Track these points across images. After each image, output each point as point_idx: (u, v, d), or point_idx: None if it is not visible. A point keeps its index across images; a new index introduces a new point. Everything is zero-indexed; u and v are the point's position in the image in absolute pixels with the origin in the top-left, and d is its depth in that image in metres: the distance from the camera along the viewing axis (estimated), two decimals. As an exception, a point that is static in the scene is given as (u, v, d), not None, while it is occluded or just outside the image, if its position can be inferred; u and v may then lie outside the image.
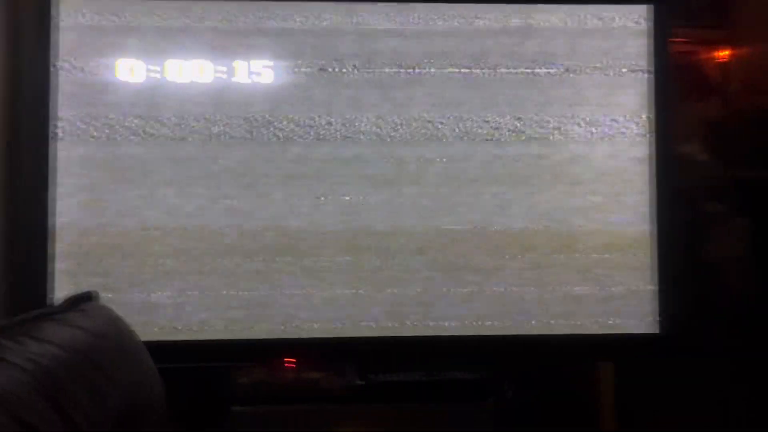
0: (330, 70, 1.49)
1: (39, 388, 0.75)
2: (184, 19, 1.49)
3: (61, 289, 1.41)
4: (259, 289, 1.45)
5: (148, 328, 1.42)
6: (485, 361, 1.52)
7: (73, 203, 1.45)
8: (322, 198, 1.48)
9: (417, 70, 1.51)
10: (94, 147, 1.46)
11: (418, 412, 1.35)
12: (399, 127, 1.50)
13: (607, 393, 1.59)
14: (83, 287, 1.36)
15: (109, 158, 1.46)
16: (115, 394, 0.90)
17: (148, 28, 1.48)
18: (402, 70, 1.51)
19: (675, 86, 1.60)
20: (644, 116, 1.53)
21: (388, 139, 1.50)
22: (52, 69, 1.45)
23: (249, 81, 1.48)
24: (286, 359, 1.43)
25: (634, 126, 1.54)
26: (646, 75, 1.54)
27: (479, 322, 1.48)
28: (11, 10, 1.53)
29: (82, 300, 1.07)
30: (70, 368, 0.83)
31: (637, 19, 1.54)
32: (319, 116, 1.49)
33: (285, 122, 1.48)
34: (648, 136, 1.53)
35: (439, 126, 1.50)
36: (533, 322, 1.50)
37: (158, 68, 1.47)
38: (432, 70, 1.51)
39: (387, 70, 1.50)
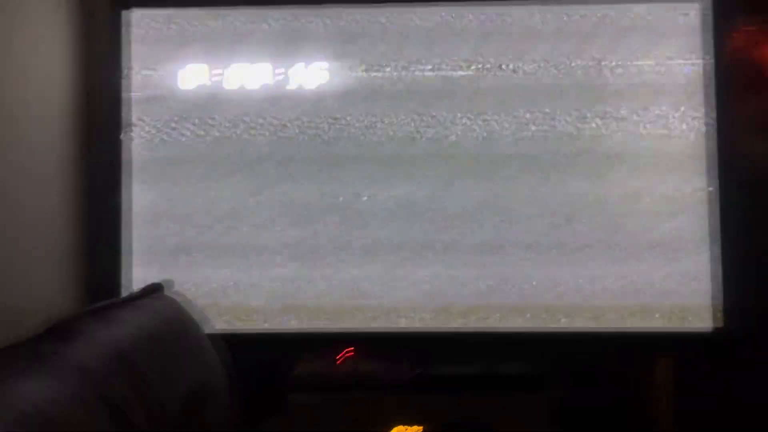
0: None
1: (118, 366, 0.82)
2: (249, 24, 1.55)
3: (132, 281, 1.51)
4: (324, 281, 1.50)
5: (212, 318, 1.49)
6: (542, 356, 1.52)
7: (145, 200, 1.54)
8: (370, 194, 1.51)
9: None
10: (164, 148, 1.54)
11: (472, 402, 1.36)
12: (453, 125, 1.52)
13: (666, 390, 1.56)
14: (153, 278, 1.45)
15: (177, 157, 1.54)
16: (183, 378, 0.96)
17: (212, 34, 1.55)
18: (467, 72, 1.52)
19: (736, 80, 1.56)
20: (705, 110, 1.50)
21: (453, 137, 1.52)
22: (124, 74, 1.54)
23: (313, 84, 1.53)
24: (343, 350, 1.47)
25: (694, 121, 1.51)
26: (705, 68, 1.51)
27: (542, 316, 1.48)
28: (82, 19, 1.63)
29: (152, 291, 1.15)
30: (144, 351, 0.90)
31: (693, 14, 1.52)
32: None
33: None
34: (709, 130, 1.50)
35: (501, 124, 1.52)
36: (597, 316, 1.48)
37: (221, 72, 1.54)
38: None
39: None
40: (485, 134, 1.52)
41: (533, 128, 1.51)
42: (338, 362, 1.44)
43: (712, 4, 1.52)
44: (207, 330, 1.18)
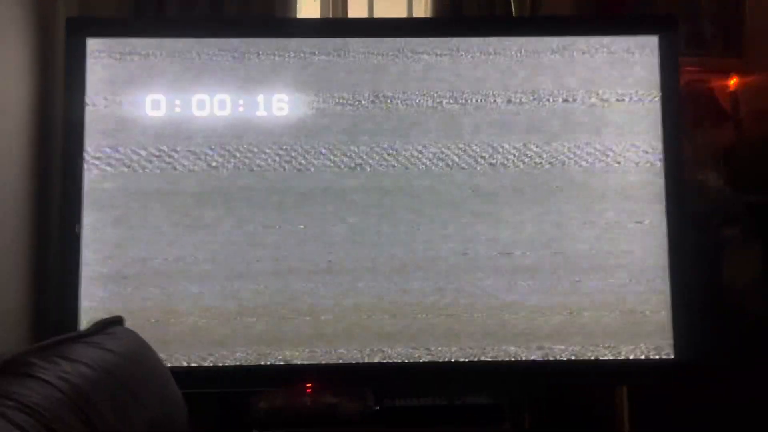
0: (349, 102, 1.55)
1: (70, 404, 0.80)
2: (205, 56, 1.56)
3: (89, 312, 1.47)
4: (280, 315, 1.50)
5: (170, 354, 1.47)
6: (502, 387, 1.53)
7: (102, 232, 1.51)
8: (339, 224, 1.52)
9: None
10: (122, 178, 1.52)
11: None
12: (414, 158, 1.55)
13: (623, 419, 1.59)
14: (110, 312, 1.42)
15: (135, 188, 1.52)
16: (141, 413, 0.94)
17: (171, 65, 1.55)
18: (432, 103, 1.56)
19: (684, 114, 1.62)
20: (655, 143, 1.56)
21: (410, 167, 1.54)
22: (86, 105, 1.52)
23: (267, 113, 1.54)
24: (304, 384, 1.46)
25: (646, 153, 1.56)
26: (658, 103, 1.57)
27: (496, 347, 1.50)
28: (42, 51, 1.62)
29: (110, 324, 1.13)
30: (98, 387, 0.88)
31: (649, 50, 1.58)
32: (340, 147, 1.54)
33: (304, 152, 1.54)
34: (660, 163, 1.56)
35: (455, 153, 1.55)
36: (548, 347, 1.51)
37: (180, 102, 1.54)
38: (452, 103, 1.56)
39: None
40: (435, 165, 1.55)
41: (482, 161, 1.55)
42: (300, 396, 1.43)
43: (660, 42, 1.58)
44: (167, 363, 1.16)
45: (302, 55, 1.56)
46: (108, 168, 1.53)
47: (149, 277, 1.50)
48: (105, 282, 1.50)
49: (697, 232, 1.69)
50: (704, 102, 1.94)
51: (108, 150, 1.53)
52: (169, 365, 1.21)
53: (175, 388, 1.12)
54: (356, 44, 1.56)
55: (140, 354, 1.07)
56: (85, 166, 1.52)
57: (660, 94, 1.57)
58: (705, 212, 1.79)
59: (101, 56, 1.55)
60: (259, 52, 1.56)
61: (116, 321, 1.14)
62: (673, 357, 1.51)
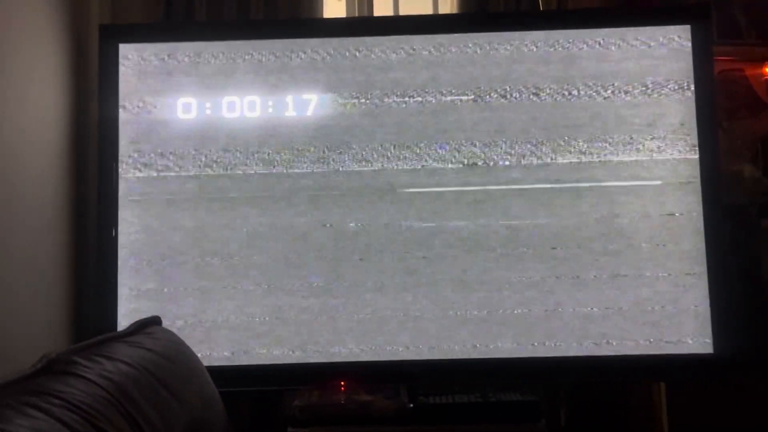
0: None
1: (114, 401, 0.81)
2: (236, 58, 1.57)
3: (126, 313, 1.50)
4: (316, 313, 1.51)
5: (206, 353, 1.49)
6: (538, 383, 1.52)
7: (137, 234, 1.54)
8: (360, 220, 1.52)
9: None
10: (156, 181, 1.54)
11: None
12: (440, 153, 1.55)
13: (661, 417, 1.57)
14: (146, 312, 1.44)
15: (169, 190, 1.54)
16: (181, 411, 0.96)
17: (201, 68, 1.57)
18: (458, 98, 1.55)
19: (719, 104, 1.59)
20: (690, 135, 1.54)
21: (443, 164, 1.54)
22: (119, 108, 1.55)
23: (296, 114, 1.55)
24: (338, 382, 1.46)
25: (681, 145, 1.54)
26: (692, 94, 1.54)
27: (533, 344, 1.50)
28: (76, 57, 1.65)
29: (148, 324, 1.15)
30: (140, 385, 0.89)
31: (682, 40, 1.56)
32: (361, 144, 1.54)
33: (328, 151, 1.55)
34: (695, 154, 1.53)
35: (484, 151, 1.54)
36: (586, 343, 1.50)
37: (210, 105, 1.56)
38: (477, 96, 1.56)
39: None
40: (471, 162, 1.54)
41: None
42: (334, 394, 1.43)
43: (692, 31, 1.55)
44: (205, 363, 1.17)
45: (328, 55, 1.57)
46: (142, 171, 1.55)
47: (185, 276, 1.52)
48: (142, 284, 1.53)
49: (734, 224, 1.65)
50: (739, 91, 1.89)
51: (141, 153, 1.55)
52: (205, 364, 1.22)
53: (212, 386, 1.13)
54: (388, 42, 1.56)
55: (178, 352, 1.09)
56: (120, 168, 1.54)
57: (694, 84, 1.54)
58: (742, 204, 1.75)
59: (133, 61, 1.57)
60: (288, 53, 1.57)
61: (154, 321, 1.16)
62: (712, 352, 1.49)
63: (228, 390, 1.23)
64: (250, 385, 1.49)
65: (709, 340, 1.49)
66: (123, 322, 1.49)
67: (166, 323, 1.24)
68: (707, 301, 1.50)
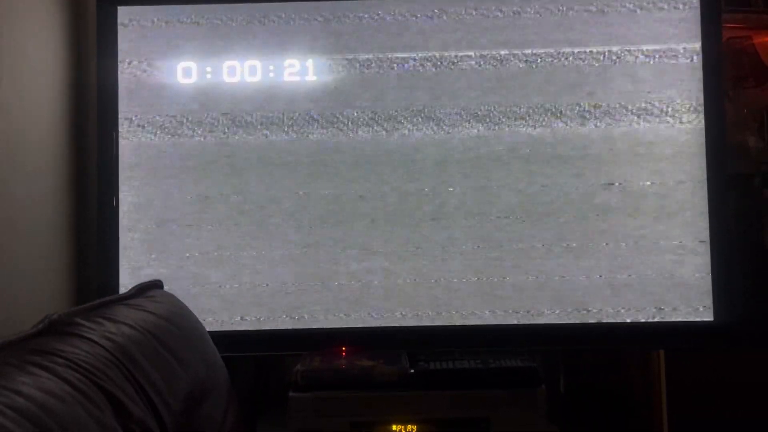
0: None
1: (116, 362, 0.81)
2: (237, 21, 1.55)
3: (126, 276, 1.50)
4: (317, 279, 1.51)
5: (207, 317, 1.49)
6: (538, 350, 1.53)
7: (137, 200, 1.53)
8: (368, 189, 1.52)
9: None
10: (156, 146, 1.53)
11: (470, 398, 1.37)
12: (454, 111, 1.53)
13: (660, 384, 1.58)
14: (147, 276, 1.44)
15: (169, 156, 1.54)
16: (184, 373, 0.96)
17: (200, 32, 1.55)
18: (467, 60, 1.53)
19: (725, 72, 1.57)
20: (696, 102, 1.52)
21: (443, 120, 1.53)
22: (119, 69, 1.53)
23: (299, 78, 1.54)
24: (340, 348, 1.47)
25: (686, 113, 1.52)
26: (699, 61, 1.52)
27: (532, 309, 1.50)
28: (74, 20, 1.63)
29: (149, 288, 1.15)
30: (142, 346, 0.90)
31: (689, 6, 1.53)
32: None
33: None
34: (701, 123, 1.52)
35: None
36: (585, 310, 1.50)
37: (211, 69, 1.54)
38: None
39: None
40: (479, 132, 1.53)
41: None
42: (336, 359, 1.44)
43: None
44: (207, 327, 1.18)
45: (332, 17, 1.55)
46: (142, 136, 1.54)
47: (186, 243, 1.52)
48: (143, 249, 1.53)
49: (738, 194, 1.65)
50: (746, 60, 1.87)
51: (141, 117, 1.54)
52: (207, 329, 1.22)
53: (214, 350, 1.14)
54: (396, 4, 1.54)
55: (180, 315, 1.09)
56: (121, 133, 1.53)
57: (701, 51, 1.52)
58: (746, 174, 1.74)
59: (132, 24, 1.55)
60: (288, 16, 1.55)
61: (155, 285, 1.16)
62: (712, 320, 1.49)
63: (229, 355, 1.24)
64: (251, 350, 1.50)
65: (710, 309, 1.49)
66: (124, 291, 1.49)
67: (167, 287, 1.24)
68: (709, 269, 1.49)
